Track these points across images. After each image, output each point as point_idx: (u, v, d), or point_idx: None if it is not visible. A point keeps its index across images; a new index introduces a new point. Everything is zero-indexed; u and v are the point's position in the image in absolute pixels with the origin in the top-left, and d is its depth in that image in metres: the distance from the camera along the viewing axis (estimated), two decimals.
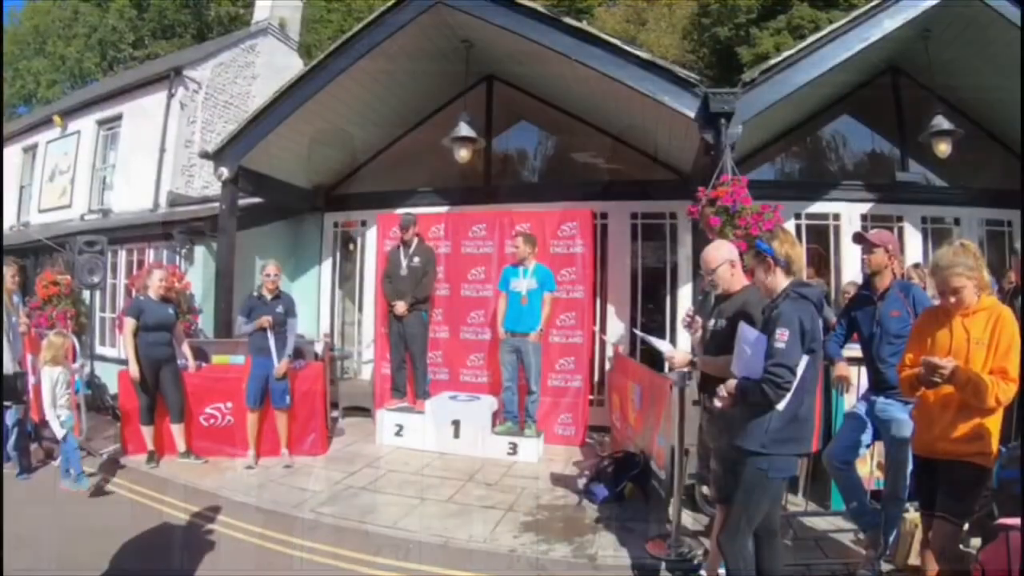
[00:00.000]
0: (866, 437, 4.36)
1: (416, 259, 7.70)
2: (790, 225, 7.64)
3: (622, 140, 9.06)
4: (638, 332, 4.60)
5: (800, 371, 3.14)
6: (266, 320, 6.56)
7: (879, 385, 4.26)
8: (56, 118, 15.18)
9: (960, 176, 8.04)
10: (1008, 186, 7.63)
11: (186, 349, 6.97)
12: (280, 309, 6.71)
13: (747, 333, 3.29)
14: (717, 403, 3.39)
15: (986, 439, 3.14)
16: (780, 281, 3.34)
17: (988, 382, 3.01)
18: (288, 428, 6.82)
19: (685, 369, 4.18)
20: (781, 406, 3.14)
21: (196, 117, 13.59)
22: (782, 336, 3.09)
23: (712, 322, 3.85)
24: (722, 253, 3.85)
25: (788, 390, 3.10)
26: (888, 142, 8.83)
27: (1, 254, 7.65)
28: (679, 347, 7.75)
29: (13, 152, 16.83)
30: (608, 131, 9.10)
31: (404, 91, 8.96)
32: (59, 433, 5.85)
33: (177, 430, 6.69)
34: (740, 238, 5.45)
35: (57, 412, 5.87)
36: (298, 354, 7.23)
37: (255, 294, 6.83)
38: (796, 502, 5.16)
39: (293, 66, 15.43)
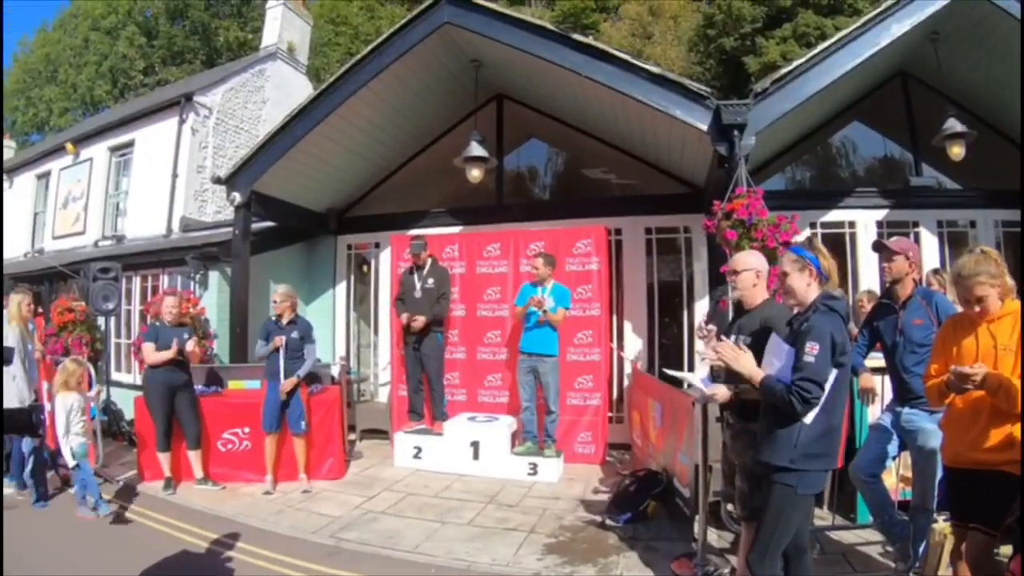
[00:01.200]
0: (892, 448, 4.29)
1: (430, 280, 7.67)
2: (805, 235, 7.57)
3: (634, 155, 9.06)
4: (676, 373, 4.52)
5: (829, 385, 3.08)
6: (278, 339, 6.54)
7: (904, 395, 4.18)
8: (69, 146, 15.35)
9: (974, 178, 7.95)
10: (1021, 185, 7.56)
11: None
12: (295, 334, 6.68)
13: (779, 346, 3.23)
14: (717, 394, 3.46)
15: (1017, 447, 3.07)
16: (814, 293, 3.29)
17: (1019, 387, 2.94)
18: (306, 453, 6.77)
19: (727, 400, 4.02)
20: (809, 419, 3.08)
21: (207, 142, 13.69)
22: (812, 350, 3.03)
23: (733, 339, 3.78)
24: (752, 261, 3.80)
25: (815, 405, 3.04)
26: (900, 147, 8.75)
27: (1, 282, 7.67)
28: (699, 363, 7.75)
29: (27, 180, 17.04)
30: (620, 146, 9.10)
31: (414, 112, 8.97)
32: (70, 462, 5.81)
33: (194, 456, 6.67)
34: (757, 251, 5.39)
35: (70, 440, 5.82)
36: (313, 379, 7.19)
37: (272, 318, 6.81)
38: (822, 516, 5.07)
39: (302, 90, 15.56)
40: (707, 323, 4.31)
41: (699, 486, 4.62)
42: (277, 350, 6.54)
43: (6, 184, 17.70)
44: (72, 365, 6.14)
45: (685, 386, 7.46)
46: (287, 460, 6.79)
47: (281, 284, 6.94)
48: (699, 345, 8.10)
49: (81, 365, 6.26)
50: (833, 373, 3.09)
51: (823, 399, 3.06)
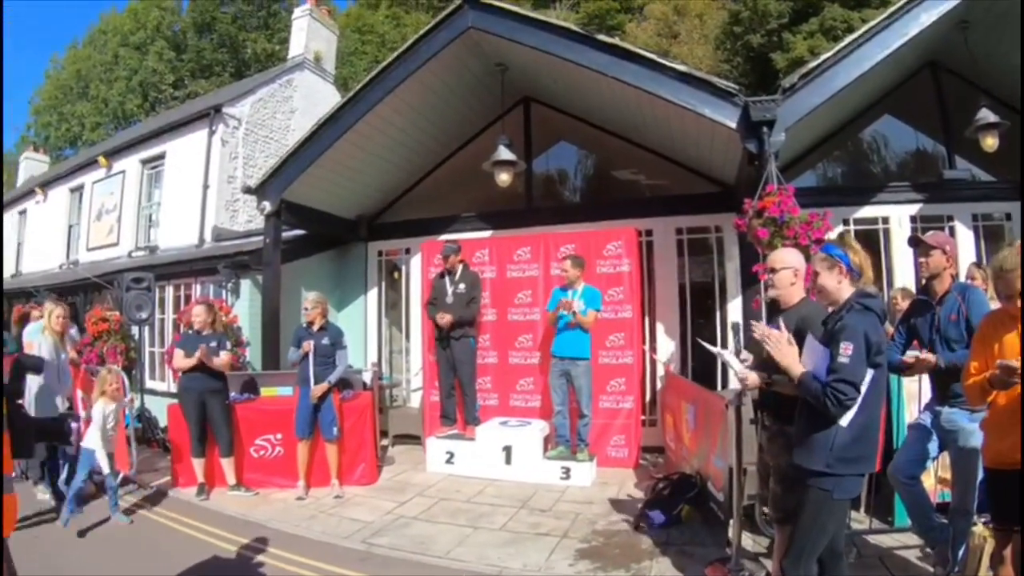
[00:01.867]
0: (932, 449, 4.17)
1: (461, 285, 7.67)
2: (837, 232, 7.45)
3: (662, 154, 9.00)
4: (712, 347, 4.42)
5: (865, 386, 3.00)
6: (307, 344, 6.57)
7: (943, 394, 4.06)
8: (101, 159, 15.65)
9: (1009, 169, 7.75)
10: None
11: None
12: (326, 340, 6.70)
13: (815, 347, 3.16)
14: (750, 379, 3.41)
15: None
16: (847, 291, 3.21)
17: None
18: (338, 458, 6.78)
19: (755, 389, 3.96)
20: (845, 422, 3.00)
21: (237, 153, 13.84)
22: (846, 350, 2.94)
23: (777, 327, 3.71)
24: (791, 259, 3.71)
25: (850, 407, 2.96)
26: (932, 139, 8.60)
27: (1, 297, 7.77)
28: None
29: (61, 193, 17.39)
30: (648, 146, 9.04)
31: (441, 117, 8.99)
32: (105, 469, 5.89)
33: (227, 463, 6.74)
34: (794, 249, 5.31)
35: (106, 447, 5.90)
36: (345, 384, 7.21)
37: (303, 325, 6.83)
38: (859, 519, 4.97)
39: (330, 99, 15.67)
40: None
41: (733, 489, 4.54)
42: (307, 356, 6.57)
43: (39, 198, 18.08)
44: (106, 373, 6.24)
45: (719, 370, 7.39)
46: (319, 466, 6.82)
47: (312, 291, 6.98)
48: (732, 345, 8.04)
49: (113, 372, 6.34)
50: (869, 374, 3.01)
51: (859, 400, 2.98)
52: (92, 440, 5.84)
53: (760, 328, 3.40)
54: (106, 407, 5.96)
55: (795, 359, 3.20)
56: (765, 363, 3.49)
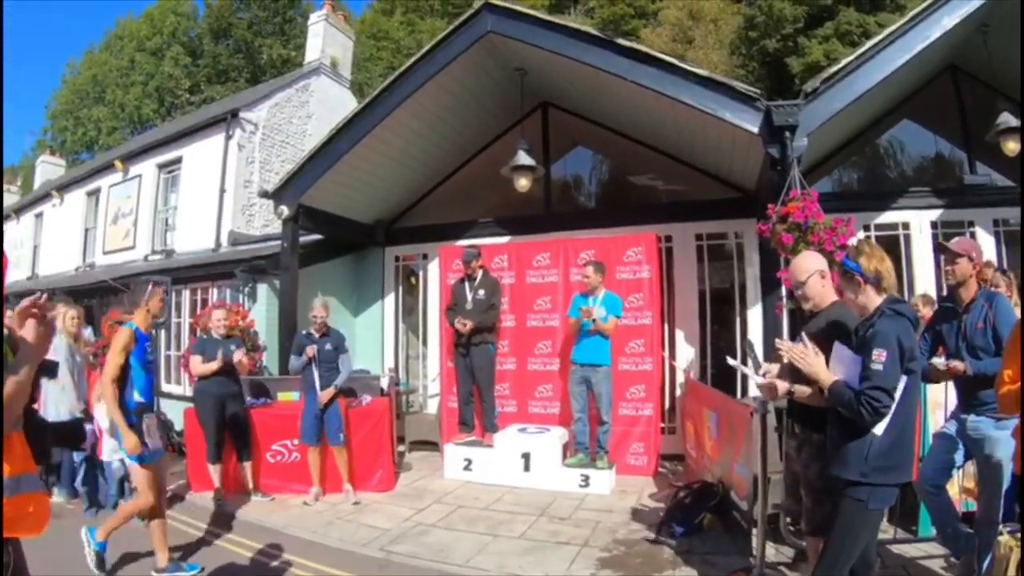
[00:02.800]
0: (958, 458, 4.13)
1: (481, 291, 7.62)
2: (858, 238, 7.38)
3: (682, 160, 8.94)
4: (733, 361, 4.37)
5: (899, 393, 2.93)
6: (311, 349, 6.55)
7: (969, 402, 4.00)
8: (117, 163, 15.74)
9: None
10: None
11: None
12: (328, 345, 6.69)
13: (843, 353, 3.10)
14: (779, 385, 3.32)
15: None
16: (872, 299, 3.13)
17: None
18: (351, 464, 6.77)
19: (783, 402, 3.90)
20: (880, 430, 2.94)
21: (254, 157, 13.88)
22: (880, 357, 2.89)
23: (801, 339, 3.65)
24: (811, 263, 3.58)
25: (885, 415, 2.90)
26: (952, 144, 8.50)
27: (2, 302, 7.76)
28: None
29: (77, 197, 17.50)
30: (667, 152, 8.98)
31: (459, 122, 8.97)
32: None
33: (245, 468, 6.74)
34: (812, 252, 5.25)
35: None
36: (350, 392, 7.21)
37: (304, 332, 6.84)
38: (883, 528, 4.82)
39: (346, 104, 15.72)
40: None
41: (758, 499, 4.48)
42: (311, 362, 6.56)
43: (56, 201, 18.20)
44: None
45: (738, 379, 7.33)
46: (334, 472, 6.80)
47: (316, 298, 6.96)
48: (751, 361, 7.97)
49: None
50: (903, 380, 2.95)
51: (893, 408, 2.92)
52: (107, 451, 5.84)
53: (784, 345, 3.35)
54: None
55: (824, 368, 3.14)
56: (792, 372, 3.43)
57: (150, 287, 5.05)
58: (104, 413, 5.81)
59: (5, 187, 23.06)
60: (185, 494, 6.83)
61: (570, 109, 9.44)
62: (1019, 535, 3.72)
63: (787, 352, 3.26)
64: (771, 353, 3.80)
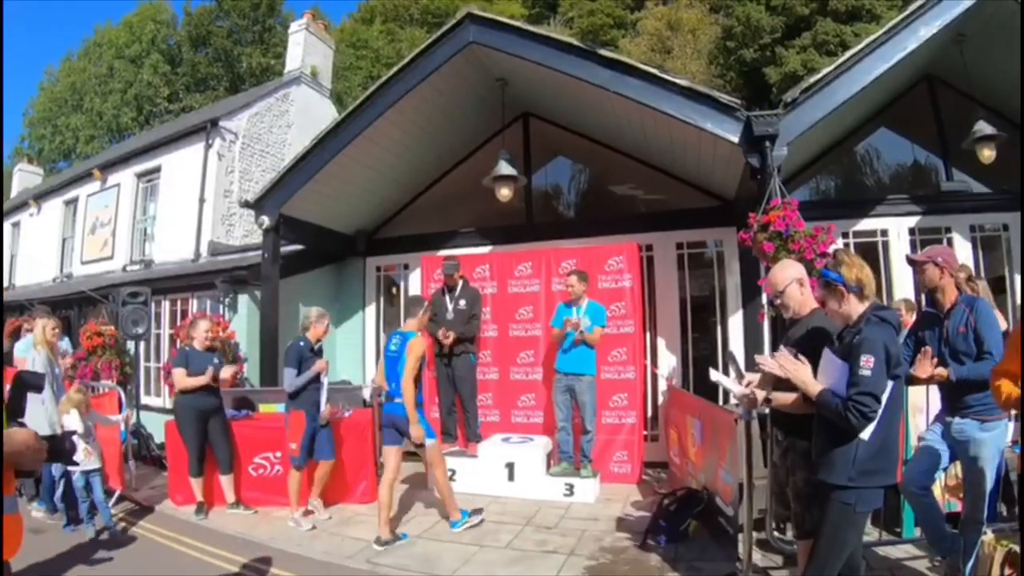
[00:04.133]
0: (943, 460, 4.19)
1: (462, 302, 7.62)
2: (839, 244, 7.47)
3: (662, 169, 9.01)
4: (715, 374, 4.42)
5: (884, 398, 2.99)
6: (322, 363, 6.33)
7: (953, 405, 4.08)
8: (96, 172, 15.61)
9: (1005, 180, 7.80)
10: None
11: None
12: (324, 356, 6.55)
13: (832, 360, 3.15)
14: (759, 394, 3.37)
15: None
16: (856, 307, 3.20)
17: None
18: (332, 477, 6.66)
19: (765, 410, 3.96)
20: (866, 435, 3.00)
21: (234, 167, 13.82)
22: (867, 363, 2.95)
23: (780, 350, 3.69)
24: (788, 272, 3.69)
25: (873, 420, 2.97)
26: (929, 152, 8.63)
27: (3, 312, 7.68)
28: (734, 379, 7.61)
29: (55, 206, 17.33)
30: (648, 161, 9.05)
31: (441, 132, 8.98)
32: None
33: (226, 481, 6.65)
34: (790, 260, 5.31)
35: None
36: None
37: (302, 343, 6.39)
38: (868, 531, 4.90)
39: (326, 113, 15.72)
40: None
41: (744, 505, 4.51)
42: (318, 377, 6.33)
43: (33, 210, 18.00)
44: (77, 395, 6.14)
45: (720, 390, 7.38)
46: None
47: (312, 307, 6.77)
48: (732, 372, 8.02)
49: (83, 393, 6.25)
50: (888, 385, 3.02)
51: (879, 413, 2.98)
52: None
53: (766, 361, 3.43)
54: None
55: (810, 376, 3.20)
56: (775, 380, 3.48)
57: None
58: (75, 422, 5.78)
59: None
60: (167, 508, 6.73)
61: (551, 119, 9.49)
62: (1002, 535, 3.81)
63: (771, 366, 3.30)
64: (753, 365, 3.85)
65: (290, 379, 6.21)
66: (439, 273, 7.93)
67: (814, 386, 3.14)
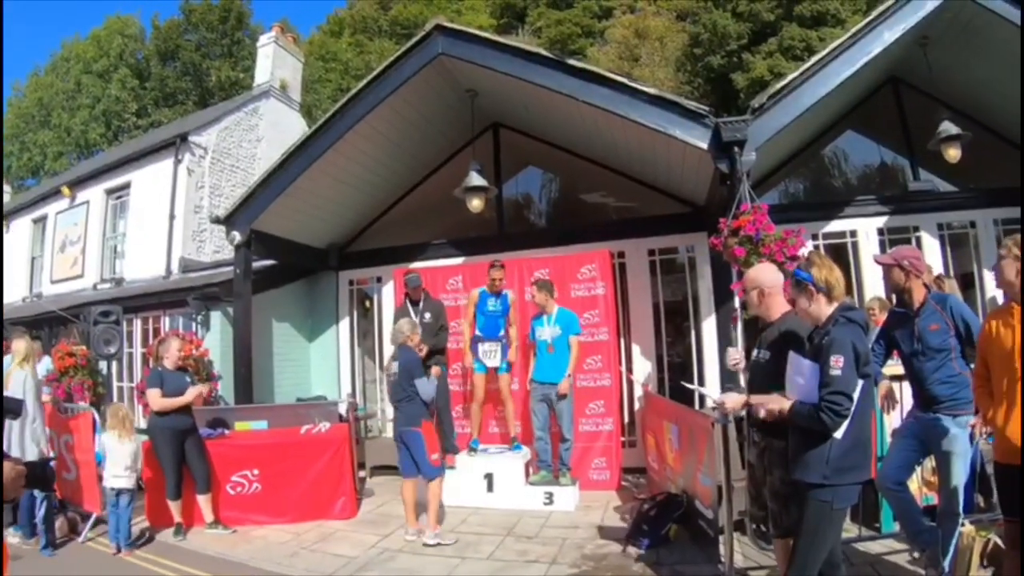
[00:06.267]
0: (918, 455, 4.29)
1: (427, 315, 7.66)
2: (809, 246, 7.55)
3: (633, 176, 9.08)
4: (690, 385, 4.49)
5: (856, 396, 3.06)
6: (437, 369, 6.91)
7: (926, 401, 4.16)
8: (64, 189, 15.37)
9: (970, 178, 7.97)
10: (1020, 183, 7.55)
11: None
12: None
13: (800, 363, 3.21)
14: (761, 414, 3.35)
15: None
16: (824, 308, 3.27)
17: None
18: (310, 493, 6.71)
19: (742, 413, 4.02)
20: (839, 434, 3.06)
21: (204, 182, 13.69)
22: (837, 363, 3.02)
23: (755, 353, 3.75)
24: (758, 277, 3.77)
25: (847, 417, 3.03)
26: (896, 153, 8.78)
27: (1, 324, 7.55)
28: (709, 383, 7.69)
29: (23, 224, 17.04)
30: (618, 169, 9.11)
31: (412, 144, 8.97)
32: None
33: (204, 500, 6.53)
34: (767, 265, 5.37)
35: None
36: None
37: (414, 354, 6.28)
38: (847, 528, 4.96)
39: (296, 126, 15.64)
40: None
41: (724, 507, 4.56)
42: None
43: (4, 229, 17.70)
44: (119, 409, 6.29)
45: (696, 396, 7.44)
46: (300, 501, 6.76)
47: (401, 320, 6.66)
48: (708, 364, 8.09)
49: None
50: (859, 383, 3.09)
51: (852, 411, 3.04)
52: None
53: (731, 406, 3.67)
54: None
55: (778, 399, 3.29)
56: (751, 380, 3.55)
57: None
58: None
59: None
60: (145, 530, 6.57)
61: (521, 129, 9.52)
62: (981, 526, 3.89)
63: (765, 406, 3.37)
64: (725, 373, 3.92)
65: (426, 387, 6.08)
66: (406, 288, 7.94)
67: (785, 404, 3.22)
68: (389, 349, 9.22)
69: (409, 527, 6.08)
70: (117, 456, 5.99)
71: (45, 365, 8.51)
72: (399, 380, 6.00)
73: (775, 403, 3.27)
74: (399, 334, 6.22)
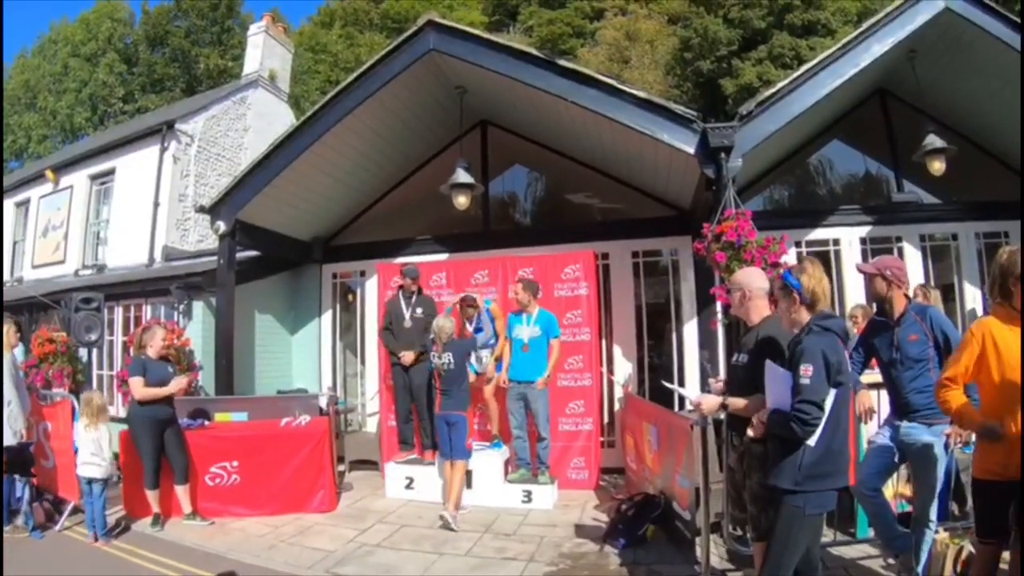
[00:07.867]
0: (893, 462, 4.32)
1: (419, 310, 7.64)
2: (791, 254, 7.62)
3: (619, 179, 9.11)
4: (669, 384, 4.55)
5: (828, 405, 3.10)
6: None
7: (903, 409, 4.20)
8: (48, 173, 15.20)
9: (954, 191, 8.08)
10: (1002, 197, 7.72)
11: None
12: None
13: (775, 371, 3.25)
14: (750, 432, 3.39)
15: None
16: (803, 316, 3.31)
17: None
18: (289, 486, 6.72)
19: (721, 415, 4.07)
20: (812, 441, 3.10)
21: (189, 170, 13.60)
22: (806, 372, 3.06)
23: (734, 357, 3.80)
24: (741, 280, 3.85)
25: (816, 426, 3.06)
26: (881, 164, 8.86)
27: (1, 309, 7.49)
28: (689, 386, 7.73)
29: (5, 207, 16.75)
30: (605, 171, 9.14)
31: (399, 139, 8.96)
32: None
33: (182, 491, 6.49)
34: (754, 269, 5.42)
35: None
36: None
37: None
38: (823, 533, 5.05)
39: (284, 117, 15.56)
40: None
41: (701, 509, 4.60)
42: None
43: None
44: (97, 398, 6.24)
45: (676, 397, 7.48)
46: (280, 494, 6.75)
47: (439, 318, 6.93)
48: (689, 367, 8.15)
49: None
50: (832, 393, 3.12)
51: (824, 419, 3.08)
52: None
53: (703, 404, 3.82)
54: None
55: (756, 410, 3.37)
56: (730, 383, 3.60)
57: None
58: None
59: None
60: (123, 520, 6.53)
61: (509, 128, 9.52)
62: (955, 533, 3.95)
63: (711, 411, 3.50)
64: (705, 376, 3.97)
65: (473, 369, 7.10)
66: (396, 280, 7.94)
67: (763, 412, 3.29)
68: (372, 343, 9.29)
69: (448, 508, 6.31)
70: (82, 443, 5.98)
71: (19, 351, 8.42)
72: (455, 369, 6.60)
73: (757, 415, 3.33)
74: (444, 333, 6.63)
